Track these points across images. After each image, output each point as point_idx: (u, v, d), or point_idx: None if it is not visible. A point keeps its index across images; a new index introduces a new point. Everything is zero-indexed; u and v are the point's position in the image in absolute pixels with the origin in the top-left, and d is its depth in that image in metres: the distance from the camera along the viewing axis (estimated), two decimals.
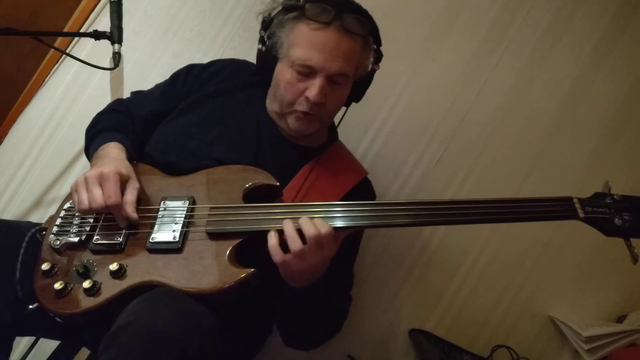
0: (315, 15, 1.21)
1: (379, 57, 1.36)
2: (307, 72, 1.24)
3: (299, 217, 1.06)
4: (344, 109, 1.43)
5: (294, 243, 1.03)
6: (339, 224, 1.08)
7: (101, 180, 1.10)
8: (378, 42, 1.34)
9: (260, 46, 1.32)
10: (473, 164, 1.90)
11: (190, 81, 1.48)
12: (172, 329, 0.89)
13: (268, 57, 1.31)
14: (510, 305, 1.86)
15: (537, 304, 1.86)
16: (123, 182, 1.14)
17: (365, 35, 1.28)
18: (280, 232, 1.06)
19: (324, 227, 1.04)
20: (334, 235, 1.06)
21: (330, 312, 1.26)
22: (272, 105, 1.37)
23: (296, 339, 1.32)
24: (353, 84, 1.34)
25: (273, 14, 1.29)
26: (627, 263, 1.07)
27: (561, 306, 1.86)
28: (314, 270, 1.09)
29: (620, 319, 1.83)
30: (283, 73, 1.27)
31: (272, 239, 1.06)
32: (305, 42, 1.22)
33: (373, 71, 1.38)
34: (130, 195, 1.14)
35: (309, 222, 1.04)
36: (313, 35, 1.22)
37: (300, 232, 1.04)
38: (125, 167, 1.18)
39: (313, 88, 1.23)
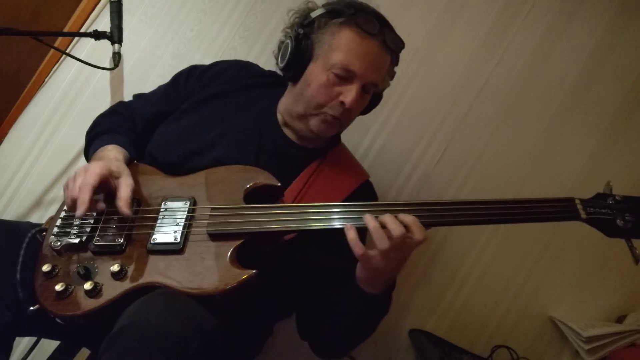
0: (364, 24, 1.24)
1: (392, 75, 1.41)
2: (345, 76, 1.25)
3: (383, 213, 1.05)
4: None
5: (381, 241, 1.02)
6: (340, 224, 1.08)
7: (86, 174, 1.09)
8: (397, 62, 1.38)
9: (293, 44, 1.30)
10: (474, 164, 1.91)
11: (193, 82, 1.48)
12: (173, 329, 0.88)
13: (300, 56, 1.30)
14: (511, 306, 1.86)
15: (538, 304, 1.87)
16: (114, 178, 1.14)
17: (397, 54, 1.34)
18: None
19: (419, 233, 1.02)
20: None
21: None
22: (294, 106, 1.34)
23: (341, 349, 1.31)
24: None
25: (314, 15, 1.30)
26: (627, 263, 1.07)
27: (561, 306, 1.86)
28: (393, 269, 1.08)
29: (620, 319, 1.83)
30: (317, 75, 1.27)
31: (351, 233, 1.04)
32: (349, 48, 1.24)
33: (384, 88, 1.42)
34: (124, 192, 1.12)
35: (395, 220, 1.03)
36: (358, 43, 1.24)
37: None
38: (117, 165, 1.17)
39: (349, 94, 1.25)
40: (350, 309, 1.17)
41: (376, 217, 1.04)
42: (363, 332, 1.24)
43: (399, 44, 1.32)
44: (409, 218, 1.03)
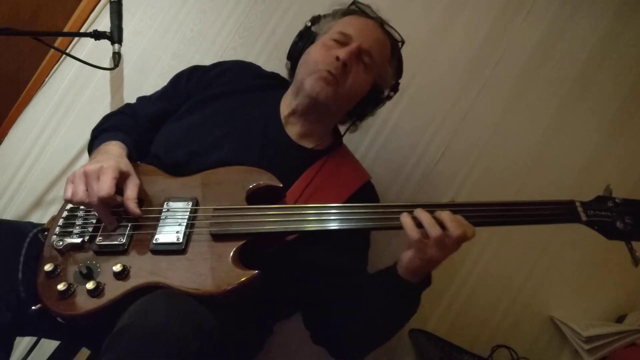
0: (364, 9, 1.42)
1: (396, 87, 1.47)
2: (342, 40, 1.33)
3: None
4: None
5: (434, 229, 1.02)
6: (336, 226, 1.09)
7: (100, 174, 1.10)
8: (399, 74, 1.47)
9: (296, 37, 1.44)
10: (473, 165, 1.90)
11: (194, 82, 1.48)
12: (174, 329, 0.89)
13: (303, 41, 1.42)
14: (511, 306, 1.86)
15: (537, 304, 1.86)
16: (123, 179, 1.14)
17: (395, 47, 1.44)
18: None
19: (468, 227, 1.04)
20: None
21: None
22: (295, 82, 1.38)
23: (366, 346, 1.29)
24: (369, 93, 1.41)
25: (323, 14, 1.45)
26: (627, 264, 1.07)
27: (561, 306, 1.86)
28: (442, 260, 1.08)
29: (620, 319, 1.83)
30: (316, 45, 1.37)
31: (406, 219, 1.05)
32: (347, 22, 1.38)
33: (388, 97, 1.46)
34: (131, 191, 1.14)
35: (453, 219, 1.03)
36: (356, 19, 1.39)
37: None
38: (124, 164, 1.18)
39: (344, 50, 1.30)
40: (383, 299, 1.16)
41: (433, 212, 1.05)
42: (391, 325, 1.22)
43: (397, 35, 1.43)
44: (459, 217, 1.05)
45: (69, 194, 1.10)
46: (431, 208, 1.07)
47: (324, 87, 1.30)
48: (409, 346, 1.86)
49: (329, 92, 1.31)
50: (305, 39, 1.42)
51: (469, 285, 1.87)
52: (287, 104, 1.41)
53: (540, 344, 1.85)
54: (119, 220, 1.13)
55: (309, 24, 1.43)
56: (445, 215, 1.03)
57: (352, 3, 1.43)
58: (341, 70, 1.30)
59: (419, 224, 1.04)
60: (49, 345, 1.40)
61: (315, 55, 1.33)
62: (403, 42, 1.44)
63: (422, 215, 1.04)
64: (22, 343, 1.65)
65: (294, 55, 1.42)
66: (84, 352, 1.44)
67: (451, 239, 1.02)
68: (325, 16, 1.44)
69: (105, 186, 1.08)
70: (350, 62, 1.30)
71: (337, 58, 1.28)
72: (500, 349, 1.81)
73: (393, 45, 1.43)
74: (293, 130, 1.40)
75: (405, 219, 1.05)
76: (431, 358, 1.71)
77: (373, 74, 1.38)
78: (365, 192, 1.41)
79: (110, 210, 1.12)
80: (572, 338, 1.78)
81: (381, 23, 1.40)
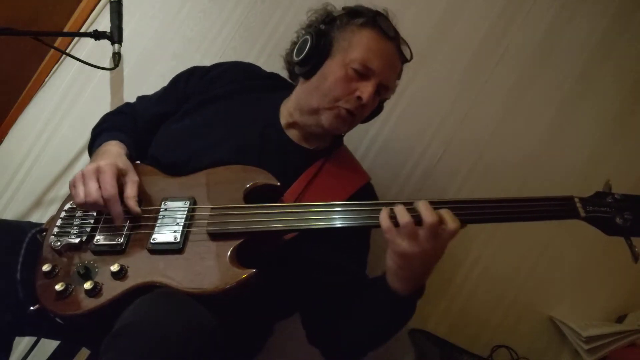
0: (384, 25, 1.31)
1: (394, 88, 1.44)
2: (363, 73, 1.28)
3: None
4: None
5: (404, 216, 0.99)
6: (341, 224, 1.08)
7: (98, 174, 1.10)
8: (400, 76, 1.44)
9: (314, 39, 1.32)
10: (474, 164, 1.90)
11: (193, 83, 1.48)
12: (173, 329, 0.88)
13: (319, 51, 1.32)
14: (511, 306, 1.86)
15: (537, 304, 1.86)
16: (121, 176, 1.15)
17: (402, 64, 1.40)
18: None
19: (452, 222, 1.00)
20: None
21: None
22: (307, 100, 1.35)
23: (359, 352, 1.27)
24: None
25: (335, 14, 1.36)
26: (627, 263, 1.07)
27: (561, 306, 1.86)
28: (426, 262, 1.05)
29: (620, 319, 1.83)
30: (334, 69, 1.30)
31: (383, 212, 1.03)
32: (369, 46, 1.29)
33: (387, 98, 1.45)
34: (131, 190, 1.14)
35: (429, 207, 1.00)
36: (377, 43, 1.30)
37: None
38: (122, 162, 1.18)
39: (366, 90, 1.28)
40: (373, 309, 1.15)
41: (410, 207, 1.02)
42: (383, 335, 1.21)
43: (409, 55, 1.38)
44: (442, 210, 1.01)
45: (75, 200, 1.11)
46: (433, 205, 1.04)
47: (342, 125, 1.34)
48: (409, 346, 1.85)
49: (345, 128, 1.37)
50: (321, 48, 1.32)
51: (469, 285, 1.87)
52: (289, 112, 1.40)
53: (540, 344, 1.85)
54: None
55: (323, 27, 1.34)
56: (420, 205, 1.01)
57: (374, 15, 1.33)
58: (360, 107, 1.31)
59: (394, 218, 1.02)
60: (49, 345, 1.40)
61: (336, 87, 1.29)
62: (411, 58, 1.41)
63: (397, 207, 1.02)
64: (22, 343, 1.65)
65: (309, 63, 1.33)
66: (84, 352, 1.44)
67: (423, 228, 0.99)
68: (340, 18, 1.35)
69: (108, 187, 1.09)
70: (371, 100, 1.31)
71: (359, 98, 1.28)
72: (500, 349, 1.80)
73: (402, 65, 1.41)
74: (294, 133, 1.40)
75: (382, 212, 1.03)
76: (431, 358, 1.70)
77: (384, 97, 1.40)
78: (364, 193, 1.41)
79: (120, 206, 1.11)
80: (572, 338, 1.78)
81: (398, 45, 1.34)
